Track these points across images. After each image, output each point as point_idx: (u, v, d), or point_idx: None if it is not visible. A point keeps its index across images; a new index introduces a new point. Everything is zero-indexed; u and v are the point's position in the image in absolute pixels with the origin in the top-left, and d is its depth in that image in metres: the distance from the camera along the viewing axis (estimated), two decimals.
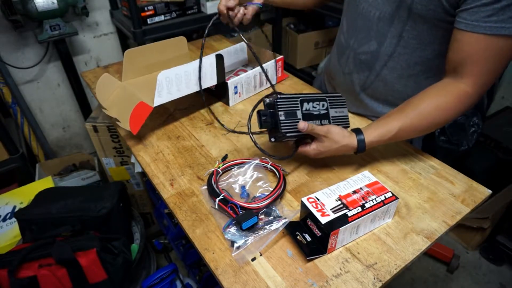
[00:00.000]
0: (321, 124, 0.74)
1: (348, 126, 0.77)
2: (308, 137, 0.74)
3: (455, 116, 0.72)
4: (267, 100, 0.72)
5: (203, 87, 0.95)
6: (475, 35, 0.64)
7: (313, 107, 0.74)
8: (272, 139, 0.73)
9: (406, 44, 0.79)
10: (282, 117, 0.70)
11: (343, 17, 0.93)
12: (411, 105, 0.72)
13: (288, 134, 0.70)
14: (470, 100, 0.69)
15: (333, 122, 0.75)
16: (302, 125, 0.69)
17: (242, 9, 0.98)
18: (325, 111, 0.75)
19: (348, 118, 0.78)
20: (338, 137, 0.70)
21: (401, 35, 0.78)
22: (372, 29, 0.82)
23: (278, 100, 0.70)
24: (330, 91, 1.06)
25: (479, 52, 0.65)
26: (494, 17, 0.61)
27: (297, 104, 0.72)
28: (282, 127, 0.70)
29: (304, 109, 0.72)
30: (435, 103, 0.70)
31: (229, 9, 0.96)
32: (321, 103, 0.75)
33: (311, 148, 0.72)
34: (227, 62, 0.98)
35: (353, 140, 0.71)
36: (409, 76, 0.83)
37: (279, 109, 0.70)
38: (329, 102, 0.76)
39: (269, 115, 0.71)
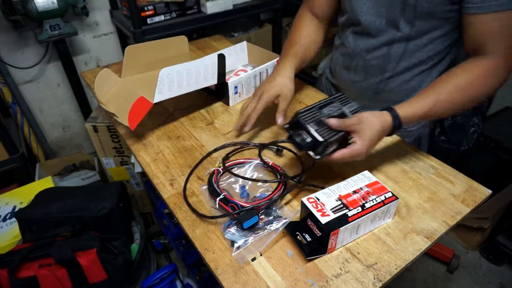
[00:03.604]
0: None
1: None
2: (338, 144, 0.68)
3: (491, 89, 0.70)
4: (288, 125, 0.69)
5: (203, 86, 0.95)
6: (490, 15, 0.64)
7: (330, 110, 0.71)
8: (318, 156, 0.66)
9: (416, 41, 0.80)
10: (315, 127, 0.66)
11: (345, 31, 0.92)
12: (443, 81, 0.70)
13: (330, 140, 0.65)
14: (503, 71, 0.68)
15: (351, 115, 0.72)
16: (333, 121, 0.65)
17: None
18: (341, 111, 0.72)
19: (362, 107, 0.74)
20: (373, 118, 0.66)
21: (409, 35, 0.78)
22: (381, 35, 0.82)
23: (300, 115, 0.67)
24: None
25: (499, 29, 0.66)
26: None
27: (317, 112, 0.69)
28: (322, 135, 0.65)
29: (325, 114, 0.70)
30: (469, 76, 0.69)
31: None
32: (333, 104, 0.73)
33: (357, 147, 0.65)
34: (227, 62, 0.98)
35: (387, 117, 0.67)
36: (423, 71, 0.84)
37: (307, 122, 0.66)
38: (339, 102, 0.74)
39: (302, 134, 0.67)
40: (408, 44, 0.80)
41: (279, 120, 0.81)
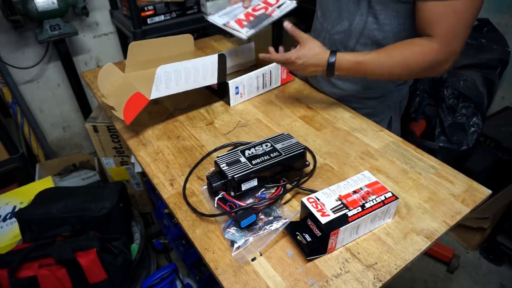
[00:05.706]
0: (270, 158, 0.71)
1: (303, 149, 0.74)
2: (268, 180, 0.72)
3: (422, 66, 0.78)
4: (207, 173, 0.74)
5: (202, 85, 0.95)
6: (432, 2, 0.74)
7: (256, 150, 0.73)
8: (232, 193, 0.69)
9: (374, 20, 0.87)
10: (225, 167, 0.68)
11: (317, 5, 1.03)
12: (384, 49, 0.82)
13: (235, 177, 0.67)
14: (436, 54, 0.77)
15: (283, 152, 0.72)
16: (287, 23, 0.85)
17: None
18: (271, 148, 0.74)
19: (299, 143, 0.75)
20: (316, 44, 0.84)
21: (368, 11, 0.87)
22: (343, 10, 0.91)
23: (216, 158, 0.71)
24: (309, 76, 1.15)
25: (438, 16, 0.75)
26: None
27: (238, 154, 0.72)
28: (228, 174, 0.67)
29: (246, 154, 0.72)
30: (407, 52, 0.79)
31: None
32: (264, 144, 0.75)
33: (291, 54, 0.84)
34: (233, 62, 0.97)
35: (327, 51, 0.83)
36: None
37: (219, 163, 0.69)
38: (273, 141, 0.76)
39: (216, 176, 0.70)
40: (367, 22, 0.88)
41: None
